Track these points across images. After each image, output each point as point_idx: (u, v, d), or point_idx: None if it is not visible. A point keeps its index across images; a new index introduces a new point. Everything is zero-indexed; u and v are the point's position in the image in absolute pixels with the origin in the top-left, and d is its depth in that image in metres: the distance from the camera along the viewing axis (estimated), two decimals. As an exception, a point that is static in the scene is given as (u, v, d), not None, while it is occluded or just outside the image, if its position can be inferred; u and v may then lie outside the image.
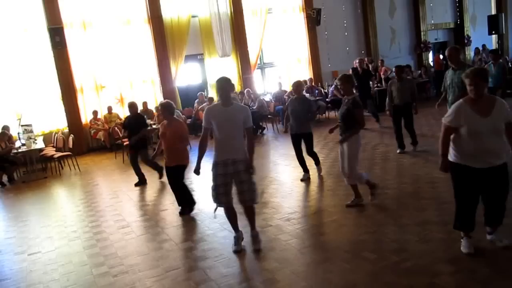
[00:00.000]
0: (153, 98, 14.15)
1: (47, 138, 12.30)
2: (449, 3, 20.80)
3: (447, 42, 21.18)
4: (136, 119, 8.31)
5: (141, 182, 8.38)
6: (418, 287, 3.61)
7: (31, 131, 11.10)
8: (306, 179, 7.32)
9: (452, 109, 3.98)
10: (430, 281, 3.67)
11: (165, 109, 6.29)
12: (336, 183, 6.97)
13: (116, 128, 11.90)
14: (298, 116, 7.20)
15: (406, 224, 4.95)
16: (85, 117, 13.36)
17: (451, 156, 4.00)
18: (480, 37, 20.40)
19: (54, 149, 11.38)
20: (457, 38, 21.06)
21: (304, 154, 7.45)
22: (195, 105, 14.10)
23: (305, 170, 7.42)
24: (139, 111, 9.04)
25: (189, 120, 13.70)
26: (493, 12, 20.88)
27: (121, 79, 13.78)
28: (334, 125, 6.12)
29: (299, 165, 7.49)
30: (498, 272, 3.69)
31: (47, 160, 11.06)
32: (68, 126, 12.97)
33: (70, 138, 11.23)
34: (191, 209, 6.38)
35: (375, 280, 3.81)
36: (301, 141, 7.36)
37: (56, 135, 11.88)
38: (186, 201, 6.39)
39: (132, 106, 8.38)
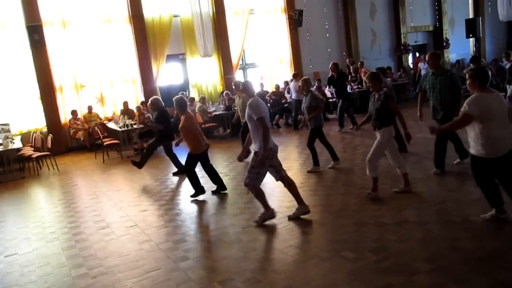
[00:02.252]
0: (134, 98, 14.03)
1: (25, 138, 12.09)
2: (428, 6, 21.12)
3: (427, 44, 21.53)
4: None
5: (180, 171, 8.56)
6: (397, 285, 3.66)
7: (8, 131, 10.91)
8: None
9: None
10: (408, 279, 3.73)
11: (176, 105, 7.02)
12: (317, 183, 7.03)
13: (96, 128, 11.76)
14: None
15: (385, 223, 5.01)
16: (64, 116, 13.17)
17: None
18: (458, 40, 20.79)
19: (32, 149, 11.19)
20: (436, 41, 21.41)
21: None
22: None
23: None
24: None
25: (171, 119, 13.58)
26: (471, 15, 21.30)
27: (101, 78, 13.64)
28: (361, 122, 6.29)
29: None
30: (474, 270, 3.77)
31: (25, 160, 10.87)
32: (47, 125, 12.77)
33: (49, 138, 11.06)
34: (218, 190, 7.09)
35: (354, 279, 3.85)
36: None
37: (35, 134, 11.69)
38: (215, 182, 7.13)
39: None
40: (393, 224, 4.97)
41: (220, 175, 8.13)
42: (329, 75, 12.35)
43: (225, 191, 7.05)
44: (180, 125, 6.92)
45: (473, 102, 4.35)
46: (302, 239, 5.00)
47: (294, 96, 13.01)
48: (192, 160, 6.93)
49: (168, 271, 4.45)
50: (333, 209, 5.73)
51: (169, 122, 8.81)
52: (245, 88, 5.74)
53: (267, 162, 5.27)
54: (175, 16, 14.52)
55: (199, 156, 6.93)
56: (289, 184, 5.54)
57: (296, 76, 13.87)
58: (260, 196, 5.44)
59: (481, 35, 18.93)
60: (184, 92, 14.56)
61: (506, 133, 4.38)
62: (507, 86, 11.27)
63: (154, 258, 4.82)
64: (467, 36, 17.14)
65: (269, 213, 5.45)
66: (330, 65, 12.05)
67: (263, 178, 5.43)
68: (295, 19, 16.69)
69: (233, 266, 4.45)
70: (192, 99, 13.62)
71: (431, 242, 4.38)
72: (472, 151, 4.55)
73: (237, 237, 5.17)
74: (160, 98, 9.09)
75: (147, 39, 14.05)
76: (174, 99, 7.11)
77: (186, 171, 7.00)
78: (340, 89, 11.92)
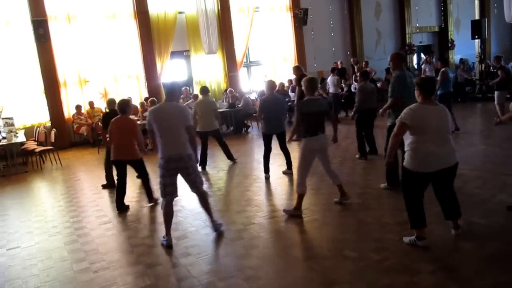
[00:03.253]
0: (137, 94, 14.05)
1: (29, 132, 12.12)
2: (434, 7, 21.07)
3: (431, 45, 21.47)
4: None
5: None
6: (398, 285, 3.66)
7: (12, 124, 10.92)
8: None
9: None
10: (410, 279, 3.72)
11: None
12: (320, 182, 7.02)
13: (99, 123, 11.77)
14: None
15: (387, 223, 5.00)
16: (68, 111, 13.20)
17: None
18: (463, 41, 20.73)
19: (36, 143, 11.22)
20: (441, 42, 21.35)
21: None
22: (180, 101, 14.02)
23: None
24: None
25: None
26: (477, 17, 21.22)
27: (105, 73, 13.66)
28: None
29: (283, 164, 7.53)
30: (476, 271, 3.76)
31: (28, 154, 10.90)
32: (51, 120, 12.80)
33: (52, 132, 11.08)
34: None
35: (356, 279, 3.85)
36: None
37: (38, 129, 11.72)
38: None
39: (111, 103, 8.03)
40: (395, 224, 4.96)
41: (222, 172, 8.16)
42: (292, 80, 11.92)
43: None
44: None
45: (408, 111, 4.16)
46: (304, 238, 5.00)
47: (332, 90, 13.11)
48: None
49: (169, 267, 4.45)
50: (335, 208, 5.72)
51: None
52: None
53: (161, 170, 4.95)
54: (180, 12, 14.53)
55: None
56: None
57: (334, 70, 13.92)
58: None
59: (486, 37, 18.86)
60: (187, 87, 14.55)
61: (441, 151, 4.09)
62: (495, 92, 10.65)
63: (155, 253, 4.83)
64: (473, 38, 17.08)
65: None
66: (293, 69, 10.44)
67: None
68: (300, 18, 16.67)
69: (234, 263, 4.45)
70: (196, 96, 13.61)
71: (433, 243, 4.36)
72: (404, 161, 4.33)
73: (238, 234, 5.17)
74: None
75: (151, 35, 14.06)
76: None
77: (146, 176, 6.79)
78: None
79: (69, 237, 5.62)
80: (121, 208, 6.48)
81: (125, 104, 6.59)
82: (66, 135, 12.95)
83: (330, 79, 13.45)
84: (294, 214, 5.51)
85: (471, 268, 3.81)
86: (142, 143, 6.61)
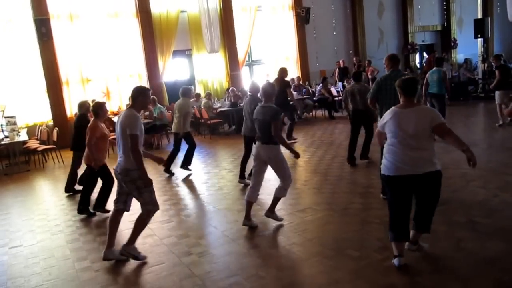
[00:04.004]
0: (140, 93, 14.04)
1: (31, 131, 12.14)
2: (437, 6, 21.02)
3: (434, 44, 21.43)
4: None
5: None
6: (401, 285, 3.65)
7: (15, 123, 10.94)
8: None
9: (435, 110, 4.10)
10: (412, 279, 3.72)
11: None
12: (322, 181, 7.01)
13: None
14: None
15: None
16: (70, 110, 13.20)
17: (438, 164, 3.87)
18: (466, 40, 20.68)
19: (38, 141, 11.24)
20: (444, 41, 21.31)
21: None
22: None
23: None
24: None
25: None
26: (479, 16, 21.14)
27: (107, 72, 13.67)
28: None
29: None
30: (478, 271, 3.75)
31: (30, 153, 10.92)
32: (53, 119, 12.82)
33: (55, 131, 11.09)
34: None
35: (358, 278, 3.84)
36: None
37: (40, 127, 11.73)
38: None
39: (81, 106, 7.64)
40: (397, 223, 4.94)
41: (225, 171, 8.16)
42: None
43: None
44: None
45: (383, 116, 4.08)
46: (306, 237, 4.99)
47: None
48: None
49: (171, 266, 4.46)
50: (338, 207, 5.72)
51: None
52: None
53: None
54: (182, 11, 14.52)
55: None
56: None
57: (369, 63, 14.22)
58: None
59: (489, 36, 18.81)
60: (191, 87, 14.53)
61: (404, 157, 3.83)
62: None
63: (157, 252, 4.83)
64: (475, 37, 17.04)
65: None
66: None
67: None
68: (302, 17, 16.66)
69: (236, 262, 4.45)
70: (198, 95, 13.62)
71: (435, 243, 4.35)
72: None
73: (240, 233, 5.17)
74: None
75: (154, 34, 14.07)
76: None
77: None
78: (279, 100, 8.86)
79: (71, 235, 5.63)
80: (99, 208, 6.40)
81: (98, 107, 6.31)
82: (68, 134, 12.89)
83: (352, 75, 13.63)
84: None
85: (472, 268, 3.81)
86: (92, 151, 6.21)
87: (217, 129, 13.42)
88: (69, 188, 7.79)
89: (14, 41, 12.25)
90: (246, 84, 16.12)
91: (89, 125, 6.22)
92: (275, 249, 4.66)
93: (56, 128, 11.43)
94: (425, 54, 20.48)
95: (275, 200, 5.36)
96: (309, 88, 15.33)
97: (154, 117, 11.71)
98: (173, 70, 14.99)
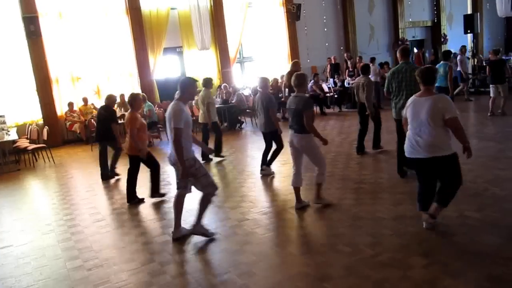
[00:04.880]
0: (130, 90, 13.95)
1: (21, 130, 12.04)
2: (427, 2, 21.13)
3: (425, 39, 21.53)
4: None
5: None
6: (393, 280, 3.67)
7: (4, 122, 10.87)
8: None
9: (451, 100, 4.36)
10: (404, 274, 3.73)
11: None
12: (313, 178, 7.01)
13: (92, 120, 11.72)
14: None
15: (381, 218, 5.01)
16: (61, 108, 13.12)
17: (450, 149, 4.27)
18: (456, 36, 20.80)
19: (28, 141, 11.15)
20: (434, 36, 21.41)
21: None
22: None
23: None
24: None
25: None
26: (469, 11, 21.29)
27: (98, 70, 13.57)
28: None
29: (277, 160, 7.51)
30: (469, 264, 3.78)
31: (20, 152, 10.82)
32: (43, 117, 12.72)
33: (45, 130, 11.01)
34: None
35: (350, 273, 3.85)
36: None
37: (30, 126, 11.64)
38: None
39: (108, 98, 8.30)
40: (389, 219, 4.97)
41: (217, 168, 8.14)
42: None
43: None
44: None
45: (408, 100, 4.56)
46: (298, 233, 5.00)
47: (373, 79, 13.21)
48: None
49: (164, 264, 4.44)
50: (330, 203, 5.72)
51: None
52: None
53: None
54: (172, 8, 14.46)
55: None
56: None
57: (373, 60, 14.57)
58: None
59: (479, 31, 18.95)
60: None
61: (411, 138, 4.40)
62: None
63: (149, 251, 4.81)
64: (465, 32, 17.15)
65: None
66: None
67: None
68: (293, 13, 16.65)
69: (228, 259, 4.45)
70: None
71: (427, 237, 4.38)
72: None
73: (232, 230, 5.17)
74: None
75: (144, 31, 14.00)
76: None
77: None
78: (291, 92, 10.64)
79: (62, 235, 5.59)
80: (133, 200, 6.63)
81: (133, 99, 6.54)
82: (58, 133, 12.87)
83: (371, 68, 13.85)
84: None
85: (464, 262, 3.83)
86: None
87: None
88: (106, 176, 8.21)
89: (2, 39, 12.12)
90: (237, 81, 16.11)
91: (126, 117, 6.47)
92: (267, 246, 4.66)
93: (46, 127, 11.36)
94: (415, 50, 20.56)
95: (318, 187, 5.57)
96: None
97: (144, 115, 11.62)
98: (164, 67, 14.93)
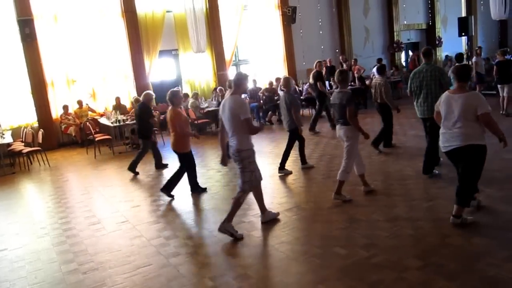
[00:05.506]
0: (126, 94, 13.95)
1: (16, 133, 11.98)
2: (422, 5, 21.23)
3: (419, 42, 21.63)
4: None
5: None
6: (388, 281, 3.68)
7: (-1, 125, 10.80)
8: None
9: (483, 97, 4.56)
10: (399, 275, 3.75)
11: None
12: (309, 180, 7.03)
13: (87, 123, 11.68)
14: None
15: (376, 220, 5.03)
16: (56, 111, 13.07)
17: (482, 140, 4.46)
18: (450, 39, 20.93)
19: (23, 144, 11.09)
20: (429, 39, 21.51)
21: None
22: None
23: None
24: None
25: (163, 116, 13.59)
26: (463, 14, 21.42)
27: (93, 73, 13.53)
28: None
29: (272, 162, 7.53)
30: (464, 266, 3.80)
31: (15, 155, 10.76)
32: (38, 120, 12.66)
33: (40, 133, 10.97)
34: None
35: (345, 275, 3.86)
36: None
37: (25, 129, 11.58)
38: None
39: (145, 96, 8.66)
40: (384, 220, 4.99)
41: (212, 171, 8.14)
42: (315, 69, 12.20)
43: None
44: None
45: (441, 96, 4.80)
46: (294, 235, 5.00)
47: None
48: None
49: (159, 267, 4.43)
50: (325, 205, 5.74)
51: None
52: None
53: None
54: (168, 11, 14.45)
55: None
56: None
57: (380, 61, 14.77)
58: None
59: (473, 34, 19.07)
60: (179, 87, 14.48)
61: (445, 132, 4.63)
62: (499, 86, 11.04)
63: (145, 253, 4.80)
64: (460, 35, 17.26)
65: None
66: (316, 63, 12.03)
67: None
68: (289, 16, 16.68)
69: (224, 262, 4.45)
70: (186, 95, 13.57)
71: (422, 239, 4.40)
72: None
73: (228, 233, 5.16)
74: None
75: (139, 34, 13.97)
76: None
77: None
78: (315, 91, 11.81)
79: (57, 238, 5.57)
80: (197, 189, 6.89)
81: (173, 95, 6.66)
82: (54, 136, 12.82)
83: (376, 69, 14.04)
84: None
85: (458, 264, 3.85)
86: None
87: (205, 129, 13.39)
88: (159, 165, 8.86)
89: (-3, 42, 12.08)
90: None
91: (169, 115, 6.64)
92: (263, 248, 4.66)
93: (41, 130, 11.32)
94: (410, 53, 20.65)
95: (340, 184, 5.78)
96: (296, 87, 15.34)
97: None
98: (159, 70, 14.90)
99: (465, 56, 17.61)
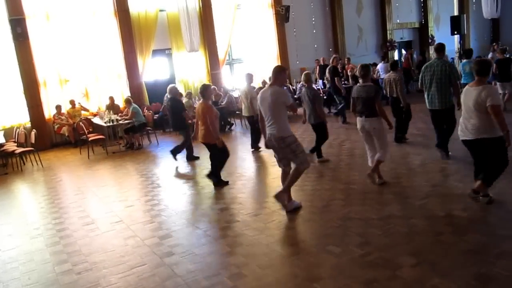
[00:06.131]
0: (119, 93, 13.90)
1: (8, 133, 11.91)
2: (414, 3, 21.31)
3: (412, 41, 21.72)
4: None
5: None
6: (381, 279, 3.69)
7: (-9, 126, 10.72)
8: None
9: (496, 90, 4.98)
10: (392, 273, 3.76)
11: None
12: (303, 179, 7.03)
13: (81, 123, 11.63)
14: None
15: (370, 218, 5.05)
16: (49, 111, 13.00)
17: (495, 133, 4.71)
18: (443, 37, 20.98)
19: (16, 144, 11.02)
20: (422, 38, 21.62)
21: None
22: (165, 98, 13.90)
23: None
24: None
25: (156, 115, 13.59)
26: (456, 13, 21.54)
27: (86, 73, 13.47)
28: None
29: (267, 161, 7.54)
30: (457, 263, 3.82)
31: (8, 156, 10.69)
32: (31, 120, 12.59)
33: (33, 133, 10.90)
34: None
35: (339, 273, 3.87)
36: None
37: (18, 130, 11.50)
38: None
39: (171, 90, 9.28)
40: (377, 219, 5.01)
41: (206, 170, 8.13)
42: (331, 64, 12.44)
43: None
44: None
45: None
46: (288, 234, 5.01)
47: (383, 76, 13.64)
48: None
49: (154, 267, 4.42)
50: (319, 204, 5.75)
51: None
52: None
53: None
54: (161, 10, 14.41)
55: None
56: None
57: (384, 58, 15.44)
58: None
59: (465, 32, 19.18)
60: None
61: (462, 122, 5.00)
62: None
63: (139, 253, 4.79)
64: (452, 33, 17.37)
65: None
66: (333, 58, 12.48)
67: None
68: (282, 15, 16.69)
69: (218, 261, 4.45)
70: (180, 95, 13.53)
71: (415, 237, 4.43)
72: None
73: (222, 232, 5.17)
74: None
75: (132, 33, 13.92)
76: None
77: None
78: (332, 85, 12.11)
79: (51, 239, 5.55)
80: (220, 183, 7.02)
81: (204, 89, 6.96)
82: (46, 136, 12.75)
83: (380, 66, 14.84)
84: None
85: (452, 261, 3.87)
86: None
87: (199, 128, 13.35)
88: (191, 157, 9.16)
89: (-12, 41, 11.99)
90: (226, 82, 16.09)
91: (200, 108, 6.86)
92: (257, 248, 4.66)
93: (34, 130, 11.24)
94: (403, 51, 20.73)
95: (377, 163, 6.14)
96: (290, 86, 15.37)
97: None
98: (153, 69, 14.87)
99: (457, 54, 17.75)
